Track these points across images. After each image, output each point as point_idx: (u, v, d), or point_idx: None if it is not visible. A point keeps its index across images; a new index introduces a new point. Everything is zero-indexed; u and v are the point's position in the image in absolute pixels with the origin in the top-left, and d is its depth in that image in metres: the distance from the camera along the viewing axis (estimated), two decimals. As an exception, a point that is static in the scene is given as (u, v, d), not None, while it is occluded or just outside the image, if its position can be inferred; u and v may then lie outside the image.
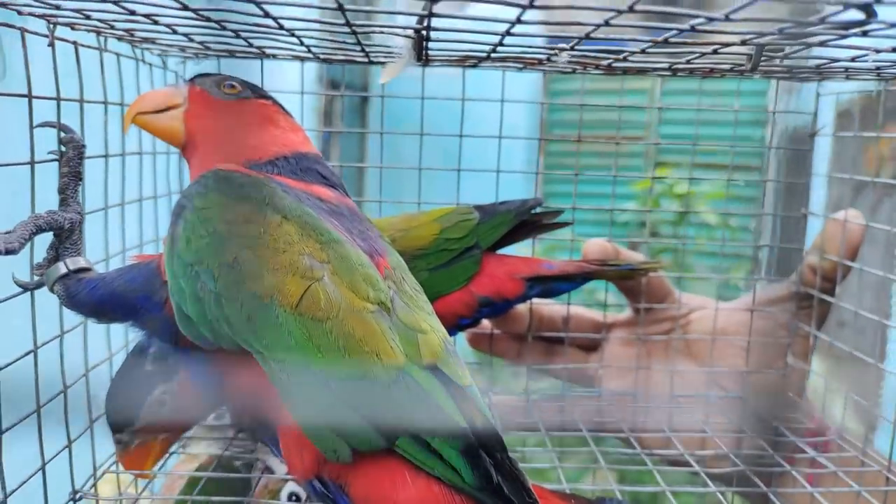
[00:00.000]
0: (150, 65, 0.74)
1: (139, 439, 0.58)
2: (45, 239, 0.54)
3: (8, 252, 0.47)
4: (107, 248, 0.65)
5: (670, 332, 0.79)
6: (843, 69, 0.59)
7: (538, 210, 0.75)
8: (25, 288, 0.53)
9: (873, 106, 0.71)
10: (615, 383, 0.79)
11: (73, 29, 0.58)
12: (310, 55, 0.67)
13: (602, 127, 0.79)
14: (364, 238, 0.52)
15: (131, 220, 0.70)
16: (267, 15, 0.45)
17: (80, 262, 0.54)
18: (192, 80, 0.59)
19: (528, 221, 0.74)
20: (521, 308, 0.79)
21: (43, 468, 0.52)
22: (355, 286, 0.45)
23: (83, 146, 0.57)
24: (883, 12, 0.41)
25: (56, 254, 0.54)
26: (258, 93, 0.59)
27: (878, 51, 0.49)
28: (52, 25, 0.54)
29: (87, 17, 0.53)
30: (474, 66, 0.66)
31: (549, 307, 0.81)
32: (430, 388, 0.43)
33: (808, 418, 0.74)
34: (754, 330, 0.75)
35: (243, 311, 0.44)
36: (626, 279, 0.77)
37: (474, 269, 0.68)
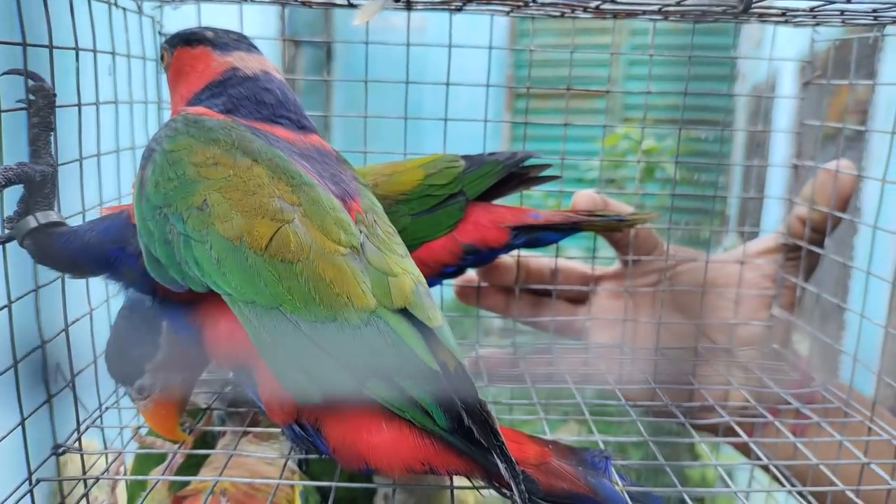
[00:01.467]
0: (124, 9, 0.71)
1: (160, 386, 0.55)
2: (17, 191, 0.53)
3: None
4: (83, 202, 0.63)
5: (658, 284, 0.78)
6: (838, 12, 0.57)
7: (527, 163, 0.73)
8: None
9: (836, 58, 0.70)
10: (602, 335, 0.79)
11: (39, -30, 0.55)
12: (287, -1, 0.64)
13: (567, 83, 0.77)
14: (336, 181, 0.51)
15: (108, 172, 0.68)
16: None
17: (52, 217, 0.52)
18: None
19: (516, 174, 0.72)
20: (509, 260, 0.79)
21: (22, 423, 0.52)
22: (326, 229, 0.45)
23: (54, 94, 0.55)
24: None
25: (27, 207, 0.53)
26: (172, 43, 0.59)
27: (875, -9, 0.47)
28: (14, -34, 0.51)
29: (49, -44, 0.50)
30: (459, 9, 0.64)
31: (537, 259, 0.80)
32: (402, 331, 0.43)
33: (794, 369, 0.74)
34: (742, 282, 0.75)
35: (212, 252, 0.43)
36: (614, 230, 0.76)
37: (458, 215, 0.67)
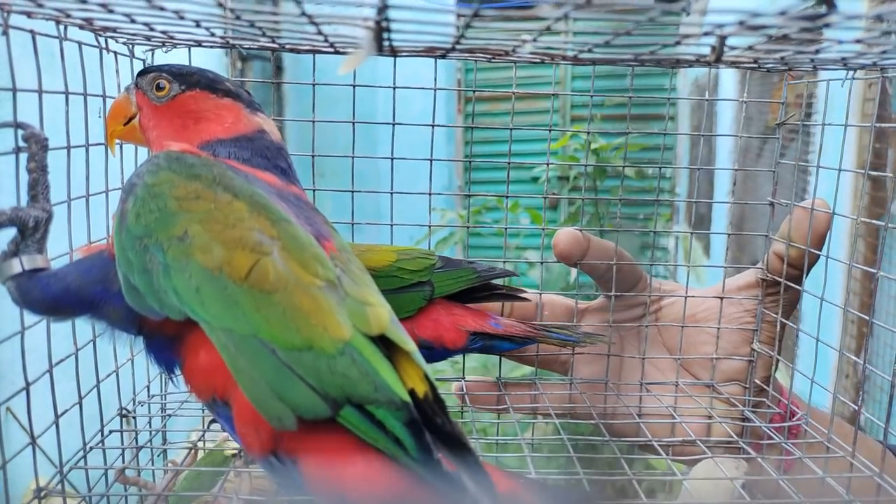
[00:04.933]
0: (115, 53, 0.73)
1: None
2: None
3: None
4: (70, 242, 0.64)
5: (642, 318, 0.79)
6: (809, 59, 0.59)
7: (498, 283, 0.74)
8: None
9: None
10: (587, 370, 0.80)
11: (29, 17, 0.56)
12: (275, 45, 0.66)
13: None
14: (310, 223, 0.52)
15: (97, 213, 0.69)
16: (221, 5, 0.44)
17: (38, 262, 0.53)
18: (136, 82, 0.61)
19: (492, 286, 0.75)
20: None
21: (4, 467, 0.52)
22: (305, 263, 0.46)
23: (46, 139, 0.56)
24: (843, 4, 0.41)
25: (16, 249, 0.53)
26: (188, 81, 0.59)
27: (840, 42, 0.49)
28: (5, 13, 0.53)
29: (41, 6, 0.51)
30: (443, 56, 0.66)
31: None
32: (375, 361, 0.44)
33: (776, 404, 0.75)
34: (723, 317, 0.76)
35: (192, 282, 0.45)
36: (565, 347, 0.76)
37: (420, 303, 0.69)
